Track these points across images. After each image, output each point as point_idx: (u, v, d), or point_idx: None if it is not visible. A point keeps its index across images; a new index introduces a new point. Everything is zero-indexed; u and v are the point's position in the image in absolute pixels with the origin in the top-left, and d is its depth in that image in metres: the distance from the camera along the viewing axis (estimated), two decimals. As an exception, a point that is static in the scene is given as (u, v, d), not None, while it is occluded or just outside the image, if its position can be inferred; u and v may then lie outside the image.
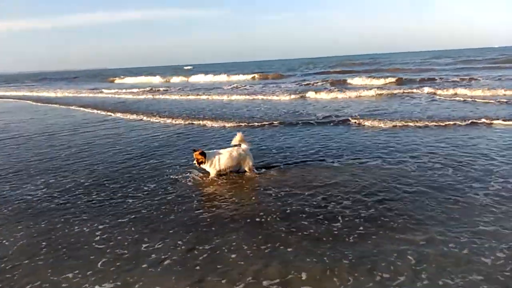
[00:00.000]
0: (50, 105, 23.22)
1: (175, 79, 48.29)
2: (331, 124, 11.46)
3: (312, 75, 37.56)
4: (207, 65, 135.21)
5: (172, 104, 19.72)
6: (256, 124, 12.05)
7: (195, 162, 6.78)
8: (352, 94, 18.67)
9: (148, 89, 31.04)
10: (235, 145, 6.96)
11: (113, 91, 30.89)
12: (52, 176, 7.31)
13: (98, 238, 4.66)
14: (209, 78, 43.99)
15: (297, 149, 8.38)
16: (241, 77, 40.86)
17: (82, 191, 6.39)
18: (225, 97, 21.34)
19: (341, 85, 24.61)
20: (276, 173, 6.90)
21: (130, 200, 5.84)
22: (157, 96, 24.72)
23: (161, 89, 30.69)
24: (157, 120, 14.16)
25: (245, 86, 28.23)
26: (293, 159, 7.63)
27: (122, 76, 59.61)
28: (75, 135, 11.84)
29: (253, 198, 5.77)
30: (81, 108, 20.02)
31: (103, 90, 32.73)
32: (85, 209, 5.62)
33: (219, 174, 6.85)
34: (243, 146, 6.93)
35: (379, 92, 18.55)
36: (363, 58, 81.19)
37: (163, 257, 4.10)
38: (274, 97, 19.71)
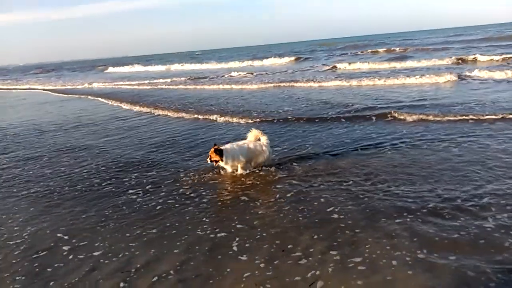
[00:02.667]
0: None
1: (207, 66, 43.12)
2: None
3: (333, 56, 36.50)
4: (214, 51, 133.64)
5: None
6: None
7: (208, 161, 6.31)
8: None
9: (190, 77, 27.93)
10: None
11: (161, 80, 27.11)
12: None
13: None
14: (239, 64, 40.88)
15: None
16: (270, 61, 39.84)
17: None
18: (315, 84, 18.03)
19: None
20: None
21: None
22: (220, 86, 20.50)
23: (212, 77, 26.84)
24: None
25: (288, 71, 26.36)
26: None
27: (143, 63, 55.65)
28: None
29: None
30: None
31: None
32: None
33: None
34: (263, 139, 6.61)
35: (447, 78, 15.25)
36: (369, 38, 78.93)
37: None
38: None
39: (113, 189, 6.07)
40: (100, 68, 62.82)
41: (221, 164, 6.35)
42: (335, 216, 4.51)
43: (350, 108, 10.98)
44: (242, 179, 6.04)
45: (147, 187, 6.02)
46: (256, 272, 3.53)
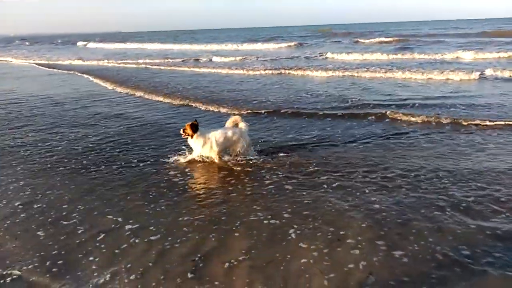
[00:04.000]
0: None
1: (214, 47, 40.48)
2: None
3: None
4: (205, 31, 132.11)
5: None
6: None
7: (181, 132, 6.27)
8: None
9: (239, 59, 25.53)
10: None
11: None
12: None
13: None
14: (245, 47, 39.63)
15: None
16: (262, 46, 39.02)
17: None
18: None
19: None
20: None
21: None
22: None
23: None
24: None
25: (282, 58, 25.66)
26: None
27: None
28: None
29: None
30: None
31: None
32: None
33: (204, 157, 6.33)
34: (241, 125, 6.43)
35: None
36: (368, 27, 78.46)
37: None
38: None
39: (152, 170, 6.03)
40: (81, 44, 63.12)
41: (190, 141, 6.28)
42: (377, 206, 4.59)
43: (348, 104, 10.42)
44: (279, 167, 6.00)
45: (186, 170, 5.99)
46: (316, 259, 3.58)
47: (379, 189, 5.09)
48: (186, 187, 5.39)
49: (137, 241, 4.00)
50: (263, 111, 9.86)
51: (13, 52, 45.69)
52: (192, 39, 61.69)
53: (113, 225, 4.33)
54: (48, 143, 7.69)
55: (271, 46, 38.39)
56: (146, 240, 4.01)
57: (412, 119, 8.56)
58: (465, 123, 8.06)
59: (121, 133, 8.26)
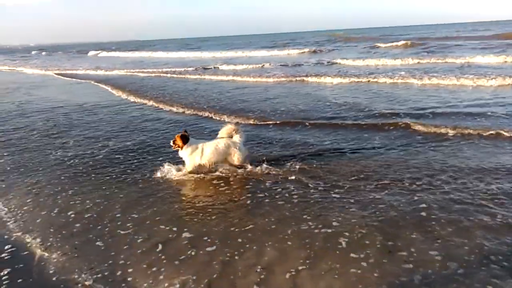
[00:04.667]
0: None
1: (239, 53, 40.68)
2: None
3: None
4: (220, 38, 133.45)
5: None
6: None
7: (171, 143, 6.27)
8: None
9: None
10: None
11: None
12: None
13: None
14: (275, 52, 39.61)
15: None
16: (277, 52, 39.01)
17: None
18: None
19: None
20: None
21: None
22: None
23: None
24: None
25: (298, 64, 25.87)
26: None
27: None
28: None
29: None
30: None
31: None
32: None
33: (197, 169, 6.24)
34: (235, 137, 6.26)
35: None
36: (386, 31, 77.95)
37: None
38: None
39: (198, 178, 6.08)
40: (93, 53, 64.91)
41: (180, 153, 6.22)
42: (425, 214, 4.57)
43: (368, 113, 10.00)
44: (321, 175, 6.00)
45: (230, 180, 6.00)
46: (368, 270, 3.59)
47: (429, 196, 5.03)
48: (233, 196, 5.42)
49: (194, 252, 4.03)
50: (270, 123, 9.61)
51: (33, 62, 47.28)
52: (206, 46, 62.71)
53: (169, 235, 4.38)
54: (89, 151, 7.86)
55: (287, 52, 38.36)
56: (203, 251, 4.03)
57: (440, 130, 8.00)
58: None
59: (158, 141, 8.37)
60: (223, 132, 6.28)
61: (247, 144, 6.65)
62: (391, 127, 8.51)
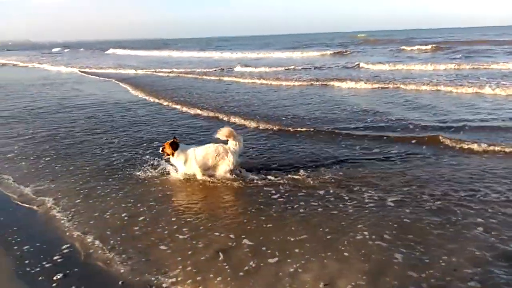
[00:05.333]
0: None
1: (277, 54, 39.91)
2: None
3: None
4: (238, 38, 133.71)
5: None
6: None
7: (161, 151, 6.23)
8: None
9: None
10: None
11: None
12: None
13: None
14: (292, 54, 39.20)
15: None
16: (300, 54, 38.58)
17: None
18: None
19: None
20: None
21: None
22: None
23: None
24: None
25: (320, 67, 25.60)
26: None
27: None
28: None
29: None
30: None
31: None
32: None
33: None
34: (230, 143, 6.05)
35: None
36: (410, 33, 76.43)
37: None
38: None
39: (250, 186, 6.04)
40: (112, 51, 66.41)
41: (172, 160, 6.14)
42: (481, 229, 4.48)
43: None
44: (371, 184, 5.91)
45: (281, 188, 5.91)
46: None
47: (487, 211, 4.92)
48: (287, 204, 5.36)
49: (257, 262, 4.00)
50: (301, 130, 9.27)
51: (58, 59, 48.70)
52: (229, 46, 63.16)
53: (229, 243, 4.38)
54: (134, 151, 7.97)
55: (309, 54, 38.13)
56: (266, 262, 4.00)
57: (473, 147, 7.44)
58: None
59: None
60: (220, 134, 6.06)
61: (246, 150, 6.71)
62: (427, 140, 8.05)
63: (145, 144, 8.52)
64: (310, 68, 23.93)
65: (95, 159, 7.62)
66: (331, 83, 17.06)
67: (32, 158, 7.83)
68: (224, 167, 6.04)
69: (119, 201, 5.68)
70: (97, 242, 4.57)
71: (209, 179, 6.26)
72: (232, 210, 5.27)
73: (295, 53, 38.92)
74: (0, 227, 5.07)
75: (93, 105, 14.04)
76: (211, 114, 11.56)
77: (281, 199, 5.54)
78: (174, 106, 13.22)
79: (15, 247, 4.54)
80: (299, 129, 9.37)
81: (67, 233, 4.82)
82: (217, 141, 6.30)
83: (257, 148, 8.00)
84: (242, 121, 10.34)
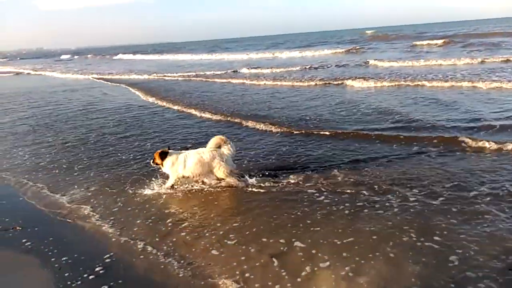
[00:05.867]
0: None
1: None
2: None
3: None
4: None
5: None
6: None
7: (151, 163, 6.24)
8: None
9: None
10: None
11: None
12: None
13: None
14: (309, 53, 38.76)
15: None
16: (313, 53, 38.54)
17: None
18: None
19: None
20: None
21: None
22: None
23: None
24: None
25: (334, 66, 25.20)
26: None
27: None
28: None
29: None
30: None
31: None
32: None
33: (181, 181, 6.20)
34: (223, 148, 6.02)
35: None
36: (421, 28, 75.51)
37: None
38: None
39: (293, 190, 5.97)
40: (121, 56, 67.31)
41: (164, 170, 6.13)
42: None
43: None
44: (414, 184, 5.83)
45: (323, 188, 5.91)
46: None
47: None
48: (332, 205, 5.32)
49: (311, 267, 3.98)
50: (320, 133, 9.06)
51: (71, 66, 49.58)
52: (238, 47, 63.49)
53: (280, 248, 4.37)
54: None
55: (320, 52, 37.97)
56: (319, 267, 3.97)
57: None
58: None
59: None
60: (212, 143, 6.07)
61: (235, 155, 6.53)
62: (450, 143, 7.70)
63: (179, 148, 8.54)
64: (324, 67, 23.79)
65: (129, 164, 7.67)
66: (348, 82, 16.73)
67: (64, 166, 7.92)
68: (220, 172, 6.04)
69: (160, 208, 5.70)
70: (149, 248, 4.58)
71: (250, 186, 6.18)
72: (277, 214, 5.22)
73: (307, 52, 38.77)
74: (36, 238, 5.05)
75: (116, 110, 14.23)
76: (235, 119, 11.21)
77: (326, 201, 5.51)
78: (195, 113, 12.91)
79: (53, 259, 4.49)
80: (323, 132, 9.10)
81: (111, 241, 4.84)
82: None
83: (287, 151, 7.96)
84: (267, 127, 9.99)
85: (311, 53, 38.19)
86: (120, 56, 69.31)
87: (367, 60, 24.54)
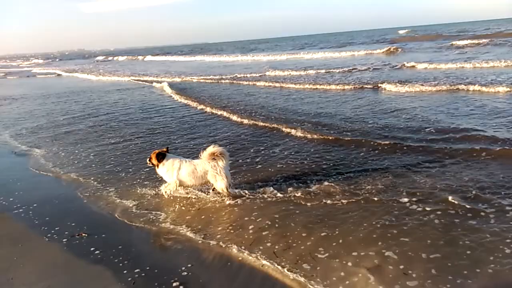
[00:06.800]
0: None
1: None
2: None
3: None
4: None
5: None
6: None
7: (147, 161, 6.11)
8: None
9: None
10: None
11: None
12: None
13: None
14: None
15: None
16: (351, 53, 37.75)
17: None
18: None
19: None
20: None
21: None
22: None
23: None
24: None
25: (375, 67, 24.17)
26: None
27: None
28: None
29: None
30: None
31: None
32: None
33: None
34: (218, 160, 5.89)
35: None
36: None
37: None
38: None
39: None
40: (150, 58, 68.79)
41: (158, 171, 6.01)
42: None
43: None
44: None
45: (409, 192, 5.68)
46: None
47: None
48: (418, 216, 5.07)
49: (410, 282, 3.78)
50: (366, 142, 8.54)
51: (108, 67, 51.03)
52: (270, 48, 63.49)
53: (375, 261, 4.19)
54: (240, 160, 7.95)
55: (353, 53, 37.07)
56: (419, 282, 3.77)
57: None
58: None
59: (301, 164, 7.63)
60: (206, 153, 5.95)
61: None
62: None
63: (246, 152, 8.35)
64: (359, 69, 23.04)
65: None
66: (387, 86, 15.78)
67: (131, 170, 7.92)
68: (218, 185, 5.96)
69: (239, 214, 5.53)
70: (236, 258, 4.44)
71: (331, 196, 5.94)
72: (363, 223, 5.01)
73: (342, 53, 38.01)
74: (104, 246, 4.93)
75: (167, 109, 14.52)
76: (274, 125, 10.72)
77: (413, 209, 5.25)
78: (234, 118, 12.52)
79: (125, 271, 4.31)
80: (383, 142, 8.43)
81: (187, 251, 4.68)
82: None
83: (355, 160, 7.58)
84: (305, 134, 9.48)
85: (346, 53, 37.42)
86: (149, 57, 70.97)
87: (404, 62, 23.31)
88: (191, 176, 5.94)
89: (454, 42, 35.92)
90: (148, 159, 6.24)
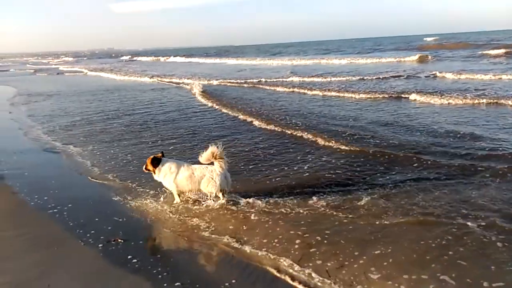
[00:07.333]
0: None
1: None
2: None
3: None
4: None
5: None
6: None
7: (144, 169, 5.89)
8: None
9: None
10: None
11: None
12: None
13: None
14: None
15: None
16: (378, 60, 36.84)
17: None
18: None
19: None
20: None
21: None
22: None
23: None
24: None
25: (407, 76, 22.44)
26: None
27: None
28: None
29: None
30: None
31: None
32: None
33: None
34: (216, 165, 5.62)
35: None
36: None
37: None
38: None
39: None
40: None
41: (156, 177, 5.76)
42: None
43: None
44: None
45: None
46: None
47: None
48: (478, 238, 4.68)
49: None
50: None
51: (135, 67, 51.60)
52: (300, 52, 63.17)
53: (430, 286, 3.84)
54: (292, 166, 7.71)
55: (379, 60, 36.25)
56: None
57: None
58: None
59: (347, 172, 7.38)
60: (205, 156, 5.68)
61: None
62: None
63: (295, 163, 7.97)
64: (388, 77, 22.42)
65: (241, 171, 7.46)
66: (416, 97, 15.11)
67: None
68: (208, 190, 5.74)
69: (284, 227, 5.22)
70: (284, 275, 4.16)
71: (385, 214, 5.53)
72: (418, 242, 4.66)
73: (369, 59, 37.28)
74: (142, 254, 4.69)
75: (198, 111, 14.46)
76: (309, 136, 10.14)
77: (472, 228, 4.90)
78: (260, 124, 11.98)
79: (165, 284, 4.00)
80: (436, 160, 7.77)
81: (230, 262, 4.45)
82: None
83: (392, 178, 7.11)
84: (350, 147, 8.91)
85: (372, 60, 36.74)
86: (172, 59, 71.87)
87: (435, 71, 22.44)
88: (189, 181, 5.75)
89: (486, 52, 34.76)
90: (144, 167, 6.03)
